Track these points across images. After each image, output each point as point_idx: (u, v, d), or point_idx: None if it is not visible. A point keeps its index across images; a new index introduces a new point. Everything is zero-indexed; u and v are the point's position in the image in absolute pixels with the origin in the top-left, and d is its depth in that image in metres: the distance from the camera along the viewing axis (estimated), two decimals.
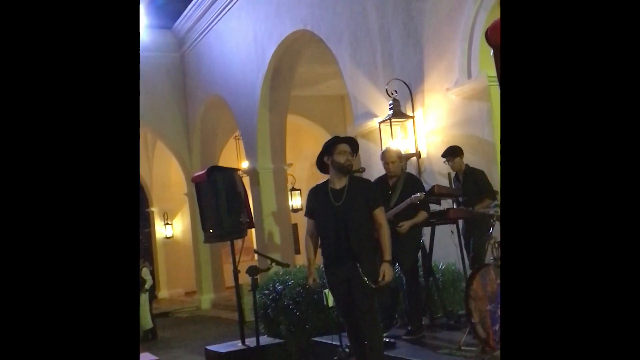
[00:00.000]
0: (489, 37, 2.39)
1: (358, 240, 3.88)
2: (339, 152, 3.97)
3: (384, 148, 6.83)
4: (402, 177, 5.08)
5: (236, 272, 5.13)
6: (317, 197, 4.08)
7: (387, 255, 3.91)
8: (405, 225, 4.82)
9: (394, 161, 5.06)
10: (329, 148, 4.02)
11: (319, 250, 4.17)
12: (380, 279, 3.87)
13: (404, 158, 5.41)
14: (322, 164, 4.10)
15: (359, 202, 3.94)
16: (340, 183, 3.99)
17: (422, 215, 4.94)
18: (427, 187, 5.47)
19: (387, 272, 3.87)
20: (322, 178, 4.21)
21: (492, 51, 2.41)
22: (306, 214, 4.19)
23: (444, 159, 5.69)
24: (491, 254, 4.34)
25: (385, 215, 4.07)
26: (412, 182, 5.09)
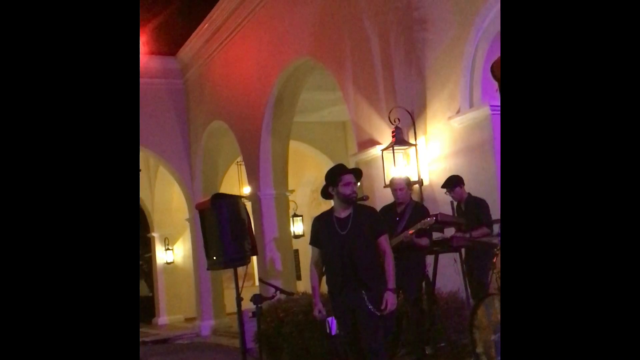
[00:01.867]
0: (494, 70, 2.43)
1: (364, 268, 3.89)
2: (344, 183, 3.99)
3: (387, 176, 6.88)
4: (411, 204, 5.13)
5: (239, 299, 5.11)
6: (322, 226, 4.10)
7: (391, 284, 3.92)
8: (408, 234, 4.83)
9: (403, 188, 5.12)
10: (334, 179, 4.04)
11: (324, 279, 4.17)
12: (382, 307, 3.86)
13: (412, 185, 5.46)
14: (326, 193, 4.13)
15: (364, 230, 3.96)
16: (345, 212, 4.02)
17: (424, 241, 4.95)
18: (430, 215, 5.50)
19: (389, 300, 3.87)
20: (324, 204, 4.24)
21: (497, 84, 2.45)
22: (311, 243, 4.20)
23: (445, 190, 5.72)
24: (495, 283, 4.34)
25: (389, 243, 4.08)
26: (420, 209, 5.14)
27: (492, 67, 2.44)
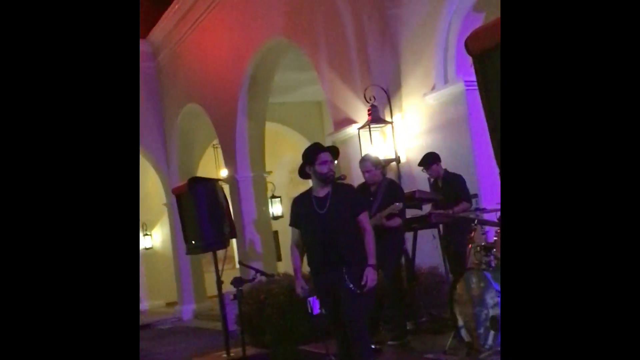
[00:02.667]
0: (468, 46, 2.42)
1: (344, 246, 3.89)
2: (320, 162, 3.97)
3: (363, 154, 6.88)
4: (383, 183, 5.12)
5: (220, 283, 5.11)
6: (301, 206, 4.08)
7: (372, 260, 3.92)
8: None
9: (370, 170, 5.10)
10: (311, 158, 4.02)
11: (305, 259, 4.16)
12: (363, 283, 3.87)
13: (383, 164, 5.44)
14: (304, 173, 4.12)
15: (343, 208, 3.95)
16: (323, 191, 4.01)
17: (396, 222, 4.95)
18: (407, 192, 5.52)
19: (370, 276, 3.87)
20: (302, 185, 4.23)
21: (471, 59, 2.44)
22: (291, 224, 4.18)
23: (421, 167, 5.73)
24: (473, 258, 4.39)
25: (369, 220, 4.08)
26: (393, 189, 5.13)
27: (466, 42, 2.43)
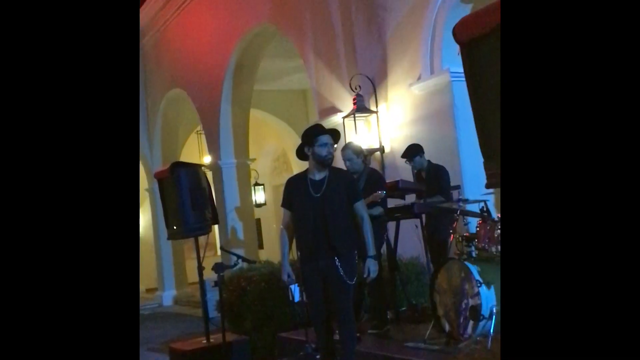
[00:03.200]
0: (456, 33, 2.41)
1: (337, 233, 3.78)
2: (320, 144, 3.86)
3: (347, 143, 6.86)
4: (365, 172, 5.09)
5: (201, 269, 5.08)
6: (295, 187, 3.95)
7: (372, 251, 3.84)
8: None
9: (351, 158, 5.05)
10: (310, 139, 3.89)
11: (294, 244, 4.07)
12: (365, 275, 3.81)
13: (364, 153, 5.40)
14: (301, 153, 3.99)
15: (339, 194, 3.84)
16: (320, 174, 3.89)
17: (375, 210, 4.90)
18: (391, 182, 5.52)
19: (371, 268, 3.81)
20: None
21: (458, 48, 2.43)
22: (283, 205, 4.03)
23: (404, 160, 5.73)
24: (455, 248, 4.40)
25: (366, 209, 3.98)
26: (375, 178, 5.10)
27: (454, 30, 2.41)
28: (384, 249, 5.57)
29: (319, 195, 3.83)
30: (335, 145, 4.02)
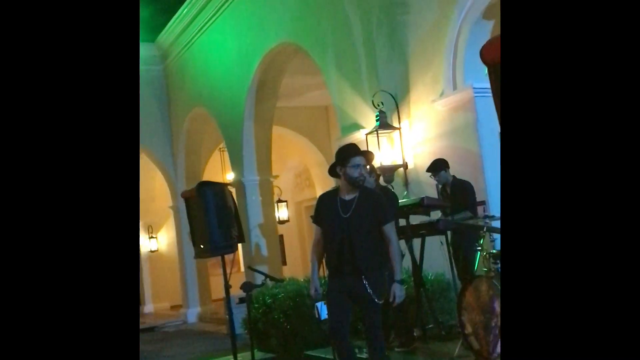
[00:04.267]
0: (484, 54, 2.42)
1: (362, 254, 3.78)
2: (352, 165, 3.85)
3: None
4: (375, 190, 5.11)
5: (227, 287, 5.10)
6: (326, 205, 3.97)
7: (398, 275, 3.83)
8: None
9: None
10: (343, 159, 3.90)
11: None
12: (391, 300, 3.79)
13: (379, 173, 5.41)
14: (334, 172, 3.99)
15: (367, 215, 3.82)
16: (350, 194, 3.88)
17: None
18: (415, 199, 5.52)
19: (397, 292, 3.80)
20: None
21: (486, 69, 2.45)
22: (314, 221, 4.06)
23: (429, 174, 5.72)
24: (482, 265, 4.38)
25: (395, 232, 3.96)
26: (388, 197, 5.11)
27: (481, 51, 2.43)
28: (409, 265, 5.57)
29: (347, 216, 3.83)
30: (368, 167, 3.99)
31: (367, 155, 4.00)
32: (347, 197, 3.89)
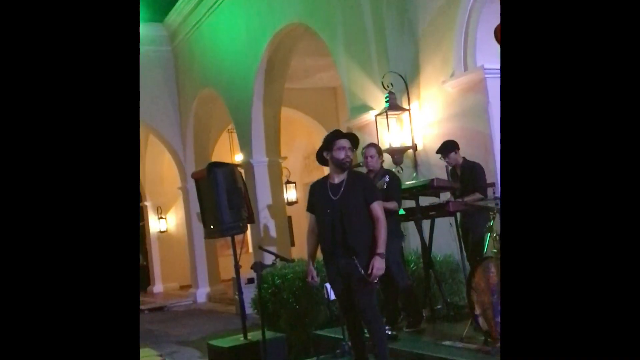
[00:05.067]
0: (497, 35, 2.41)
1: (354, 234, 3.88)
2: (338, 147, 3.98)
3: (381, 141, 6.87)
4: (380, 172, 5.16)
5: (237, 267, 5.14)
6: (317, 192, 4.10)
7: (379, 248, 3.87)
8: None
9: (373, 155, 5.17)
10: (329, 143, 4.03)
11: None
12: (369, 272, 3.82)
13: (382, 153, 5.52)
14: (322, 158, 4.12)
15: (356, 196, 3.94)
16: (338, 178, 4.01)
17: (392, 204, 4.90)
18: (425, 180, 5.52)
19: (376, 264, 3.82)
20: (315, 171, 4.26)
21: (499, 47, 2.42)
22: (307, 209, 4.20)
23: (439, 155, 5.71)
24: (492, 247, 4.38)
25: (382, 210, 4.03)
26: (392, 179, 5.16)
27: (496, 31, 2.41)
28: (418, 247, 5.58)
29: (337, 198, 3.94)
30: (355, 151, 4.10)
31: (352, 137, 4.05)
32: (337, 181, 4.01)
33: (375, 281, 3.87)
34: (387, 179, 4.93)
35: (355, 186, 3.97)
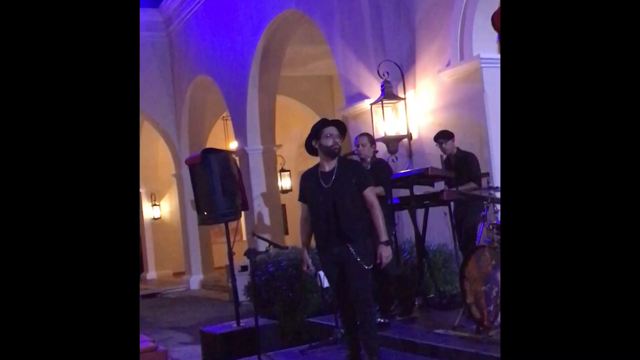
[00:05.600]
0: (495, 22, 2.39)
1: (347, 221, 3.87)
2: (325, 135, 3.96)
3: (376, 130, 6.87)
4: (372, 161, 5.18)
5: (231, 254, 5.14)
6: (308, 180, 4.08)
7: (383, 237, 3.89)
8: None
9: (365, 144, 5.17)
10: (317, 132, 4.02)
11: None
12: (378, 262, 3.86)
13: (375, 143, 5.50)
14: (311, 148, 4.11)
15: (347, 183, 3.92)
16: (329, 165, 4.00)
17: (378, 189, 4.89)
18: (419, 169, 5.52)
19: (383, 253, 3.86)
20: (311, 160, 4.22)
21: (497, 36, 2.42)
22: (299, 199, 4.19)
23: (437, 142, 5.71)
24: (486, 236, 4.40)
25: (375, 195, 4.03)
26: (380, 165, 5.19)
27: (493, 17, 2.40)
28: (412, 235, 5.60)
29: (328, 185, 3.94)
30: (342, 138, 4.06)
31: (339, 125, 4.03)
32: (327, 168, 4.00)
33: (368, 267, 3.88)
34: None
35: (346, 173, 3.96)
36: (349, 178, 3.94)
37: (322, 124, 4.06)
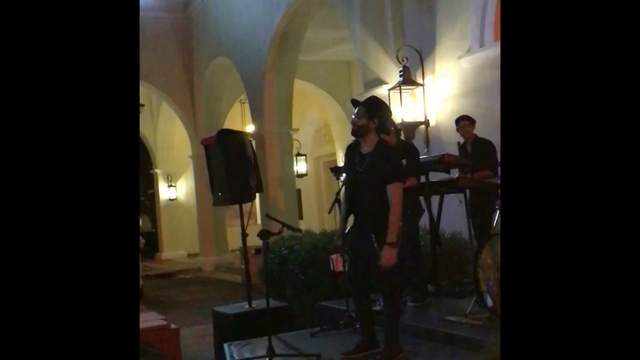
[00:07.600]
0: None
1: (369, 211, 3.78)
2: (353, 114, 3.89)
3: (394, 116, 6.81)
4: (395, 146, 5.09)
5: (244, 236, 5.15)
6: (348, 156, 3.97)
7: (390, 237, 3.65)
8: None
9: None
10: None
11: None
12: (379, 263, 3.67)
13: (399, 128, 5.41)
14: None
15: (378, 172, 3.76)
16: (365, 147, 3.85)
17: (410, 181, 4.82)
18: (436, 155, 5.47)
19: (385, 255, 3.65)
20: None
21: None
22: (342, 169, 4.17)
23: (461, 124, 5.64)
24: (500, 224, 4.35)
25: (399, 193, 3.76)
26: (405, 151, 5.09)
27: None
28: (426, 222, 5.56)
29: (361, 170, 3.82)
30: (370, 118, 3.85)
31: (367, 103, 3.91)
32: (364, 151, 3.87)
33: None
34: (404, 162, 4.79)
35: (380, 161, 3.78)
36: (380, 167, 3.76)
37: (353, 104, 3.95)
